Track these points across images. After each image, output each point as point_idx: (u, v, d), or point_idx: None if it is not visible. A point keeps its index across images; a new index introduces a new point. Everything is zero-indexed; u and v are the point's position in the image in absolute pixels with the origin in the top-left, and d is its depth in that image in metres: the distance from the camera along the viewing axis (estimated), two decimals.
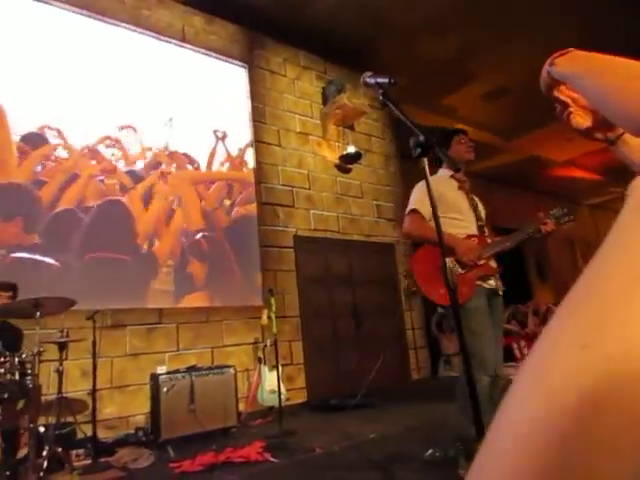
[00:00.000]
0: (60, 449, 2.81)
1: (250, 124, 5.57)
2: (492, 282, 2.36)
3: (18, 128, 4.09)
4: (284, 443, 3.11)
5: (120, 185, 4.51)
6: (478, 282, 2.29)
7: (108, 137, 4.52)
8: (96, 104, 4.51)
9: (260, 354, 4.70)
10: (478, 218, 2.48)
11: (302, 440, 3.22)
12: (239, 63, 5.66)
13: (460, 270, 2.28)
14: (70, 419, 3.25)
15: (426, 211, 2.39)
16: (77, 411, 3.27)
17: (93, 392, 3.06)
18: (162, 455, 3.14)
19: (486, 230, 2.49)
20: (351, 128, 6.38)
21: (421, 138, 1.43)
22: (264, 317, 4.68)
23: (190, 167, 5.04)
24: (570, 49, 0.77)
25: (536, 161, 10.31)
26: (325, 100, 6.18)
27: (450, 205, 2.45)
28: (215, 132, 5.25)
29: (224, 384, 3.78)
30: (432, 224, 2.42)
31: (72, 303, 2.84)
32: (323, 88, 6.23)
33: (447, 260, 2.21)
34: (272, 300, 3.78)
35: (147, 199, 4.64)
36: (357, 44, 6.15)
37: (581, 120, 0.83)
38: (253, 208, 5.35)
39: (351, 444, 3.02)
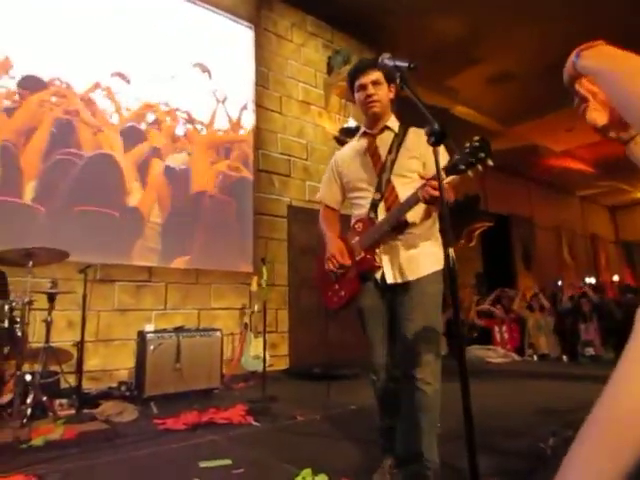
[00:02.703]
0: (45, 397, 2.85)
1: (252, 88, 5.45)
2: (377, 275, 1.87)
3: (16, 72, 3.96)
4: (266, 408, 3.18)
5: (113, 138, 4.42)
6: (365, 279, 1.90)
7: (98, 85, 4.36)
8: (96, 52, 4.36)
9: (247, 320, 4.76)
10: (377, 189, 1.88)
11: (284, 406, 3.30)
12: (246, 23, 5.49)
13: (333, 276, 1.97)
14: (54, 369, 3.28)
15: (331, 198, 2.09)
16: (62, 361, 3.30)
17: (81, 344, 3.08)
18: (145, 411, 3.20)
19: (383, 206, 1.86)
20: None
21: (436, 127, 1.36)
22: (254, 284, 4.71)
23: (190, 126, 4.95)
24: (599, 42, 0.74)
25: (533, 149, 10.33)
26: (330, 70, 6.05)
27: (348, 181, 2.01)
28: (215, 93, 5.12)
29: (210, 346, 3.83)
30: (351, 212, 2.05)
31: (65, 255, 2.82)
32: (329, 57, 6.09)
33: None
34: (264, 269, 3.80)
35: (146, 156, 4.56)
36: (367, 16, 5.99)
37: (597, 116, 0.83)
38: (249, 174, 5.30)
39: (332, 414, 3.11)
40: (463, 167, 1.48)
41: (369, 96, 1.88)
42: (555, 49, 7.22)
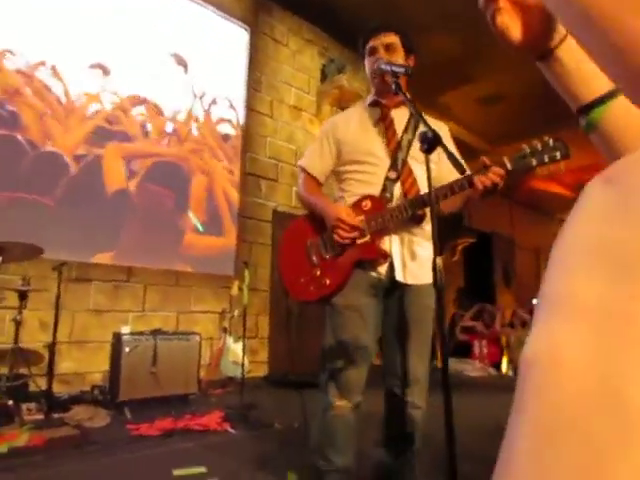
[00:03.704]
0: (11, 402, 2.71)
1: (244, 89, 5.40)
2: (382, 269, 1.61)
3: None
4: (244, 415, 3.10)
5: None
6: (359, 269, 1.60)
7: (44, 63, 4.00)
8: (74, 40, 4.20)
9: (226, 324, 4.66)
10: (392, 167, 1.63)
11: (262, 414, 3.22)
12: (242, 25, 5.45)
13: (328, 252, 1.61)
14: (23, 371, 3.14)
15: (320, 168, 1.77)
16: (32, 363, 3.17)
17: (53, 345, 2.95)
18: (118, 416, 3.08)
19: (399, 188, 1.62)
20: (346, 107, 6.29)
21: (429, 134, 1.31)
22: (235, 288, 4.63)
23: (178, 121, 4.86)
24: None
25: None
26: (324, 78, 6.05)
27: (349, 152, 1.70)
28: (193, 89, 5.00)
29: (188, 350, 3.73)
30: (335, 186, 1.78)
31: (39, 251, 2.71)
32: (323, 65, 6.09)
33: (317, 238, 1.64)
34: (246, 273, 3.73)
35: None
36: (363, 27, 6.02)
37: (510, 23, 0.61)
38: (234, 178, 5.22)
39: (311, 423, 3.05)
40: (535, 163, 1.43)
41: (378, 60, 1.62)
42: (538, 77, 7.36)
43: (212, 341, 4.67)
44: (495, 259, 10.99)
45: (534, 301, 9.31)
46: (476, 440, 2.20)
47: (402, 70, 1.47)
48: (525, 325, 7.14)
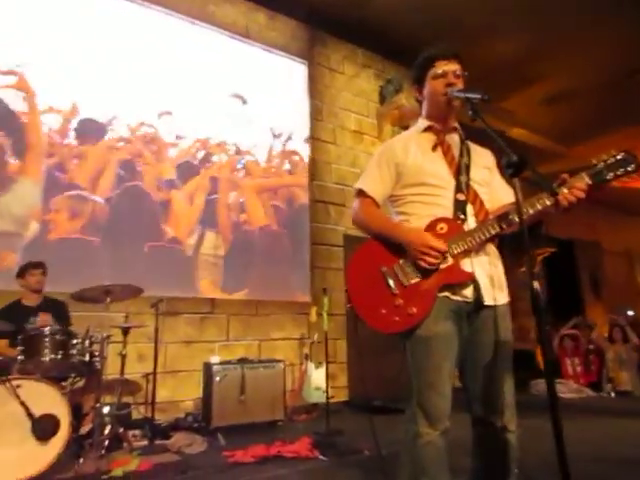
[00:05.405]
0: (122, 429, 2.96)
1: (308, 121, 5.61)
2: (467, 292, 1.56)
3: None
4: (332, 442, 3.14)
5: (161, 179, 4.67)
6: (442, 294, 1.54)
7: (144, 123, 4.54)
8: (148, 94, 4.60)
9: (306, 350, 4.76)
10: (459, 190, 1.62)
11: (349, 440, 3.24)
12: (299, 60, 5.71)
13: (408, 279, 1.55)
14: (125, 400, 3.41)
15: (381, 192, 1.72)
16: (134, 392, 3.43)
17: (154, 375, 3.19)
18: (213, 442, 3.24)
19: (471, 209, 1.62)
20: (407, 129, 6.30)
21: (514, 158, 1.31)
22: (313, 314, 4.73)
23: (250, 158, 5.14)
24: None
25: None
26: (382, 99, 6.14)
27: (412, 175, 1.67)
28: (271, 130, 5.30)
29: (273, 377, 3.86)
30: (394, 209, 1.73)
31: (139, 291, 2.96)
32: (380, 87, 6.19)
33: (393, 265, 1.57)
34: (325, 299, 3.81)
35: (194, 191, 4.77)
36: (416, 43, 6.03)
37: None
38: (305, 206, 5.40)
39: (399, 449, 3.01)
40: (611, 176, 1.54)
41: (451, 85, 1.63)
42: (613, 67, 7.00)
43: (293, 367, 4.78)
44: (580, 268, 10.26)
45: (629, 312, 8.50)
46: (577, 469, 2.08)
47: (479, 96, 1.52)
48: (627, 342, 6.40)
